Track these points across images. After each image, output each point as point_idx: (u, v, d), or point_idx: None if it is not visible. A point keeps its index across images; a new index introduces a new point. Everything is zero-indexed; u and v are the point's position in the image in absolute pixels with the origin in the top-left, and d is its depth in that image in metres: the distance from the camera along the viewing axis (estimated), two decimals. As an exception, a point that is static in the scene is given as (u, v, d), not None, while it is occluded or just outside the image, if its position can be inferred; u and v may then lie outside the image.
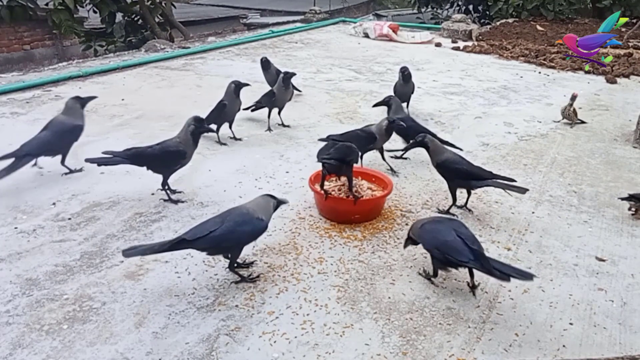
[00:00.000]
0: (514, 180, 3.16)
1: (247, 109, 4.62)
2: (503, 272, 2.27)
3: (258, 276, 2.60)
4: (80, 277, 2.56)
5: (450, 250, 2.36)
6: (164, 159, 3.19)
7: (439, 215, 3.19)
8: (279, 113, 4.65)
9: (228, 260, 2.56)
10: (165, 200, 3.29)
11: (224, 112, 4.20)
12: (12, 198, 3.27)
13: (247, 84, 4.38)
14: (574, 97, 4.94)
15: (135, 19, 11.57)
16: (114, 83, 5.91)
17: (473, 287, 2.52)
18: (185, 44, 8.37)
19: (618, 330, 2.38)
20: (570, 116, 5.00)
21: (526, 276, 2.31)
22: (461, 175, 3.15)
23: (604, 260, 2.90)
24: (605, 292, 2.63)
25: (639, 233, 3.21)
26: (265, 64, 5.21)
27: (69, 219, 3.09)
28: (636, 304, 2.55)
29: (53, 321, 2.27)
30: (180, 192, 3.40)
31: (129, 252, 2.39)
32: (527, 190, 3.23)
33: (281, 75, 4.54)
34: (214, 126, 4.29)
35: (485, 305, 2.48)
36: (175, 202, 3.29)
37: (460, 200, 3.31)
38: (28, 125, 4.50)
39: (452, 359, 2.16)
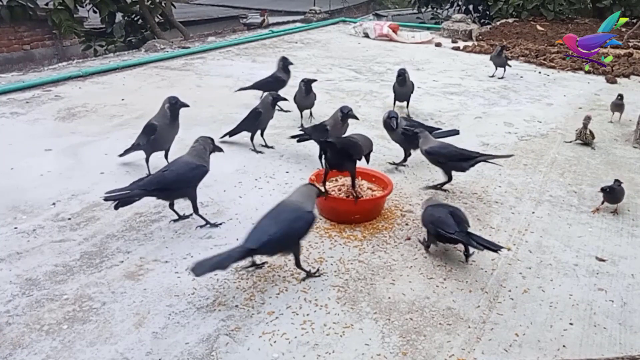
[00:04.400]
0: (499, 157, 3.63)
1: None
2: (479, 243, 2.65)
3: (263, 263, 2.68)
4: (80, 277, 2.56)
5: (441, 224, 2.73)
6: (189, 177, 2.93)
7: (440, 202, 3.12)
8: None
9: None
10: (202, 227, 3.04)
11: (259, 120, 4.09)
12: (12, 198, 3.27)
13: (285, 99, 4.16)
14: (587, 119, 4.47)
15: (135, 19, 11.58)
16: (113, 83, 5.91)
17: (467, 256, 2.83)
18: (185, 44, 8.37)
19: (618, 330, 2.38)
20: (587, 138, 4.50)
21: (496, 248, 2.64)
22: (454, 158, 3.44)
23: (604, 261, 2.90)
24: (606, 292, 2.64)
25: (639, 233, 3.21)
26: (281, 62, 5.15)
27: (69, 219, 3.09)
28: (636, 304, 2.55)
29: (53, 321, 2.27)
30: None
31: (199, 272, 2.30)
32: (512, 155, 3.79)
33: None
34: (243, 134, 4.13)
35: (485, 305, 2.48)
36: (215, 225, 3.06)
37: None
38: (28, 125, 4.51)
39: (452, 359, 2.16)
